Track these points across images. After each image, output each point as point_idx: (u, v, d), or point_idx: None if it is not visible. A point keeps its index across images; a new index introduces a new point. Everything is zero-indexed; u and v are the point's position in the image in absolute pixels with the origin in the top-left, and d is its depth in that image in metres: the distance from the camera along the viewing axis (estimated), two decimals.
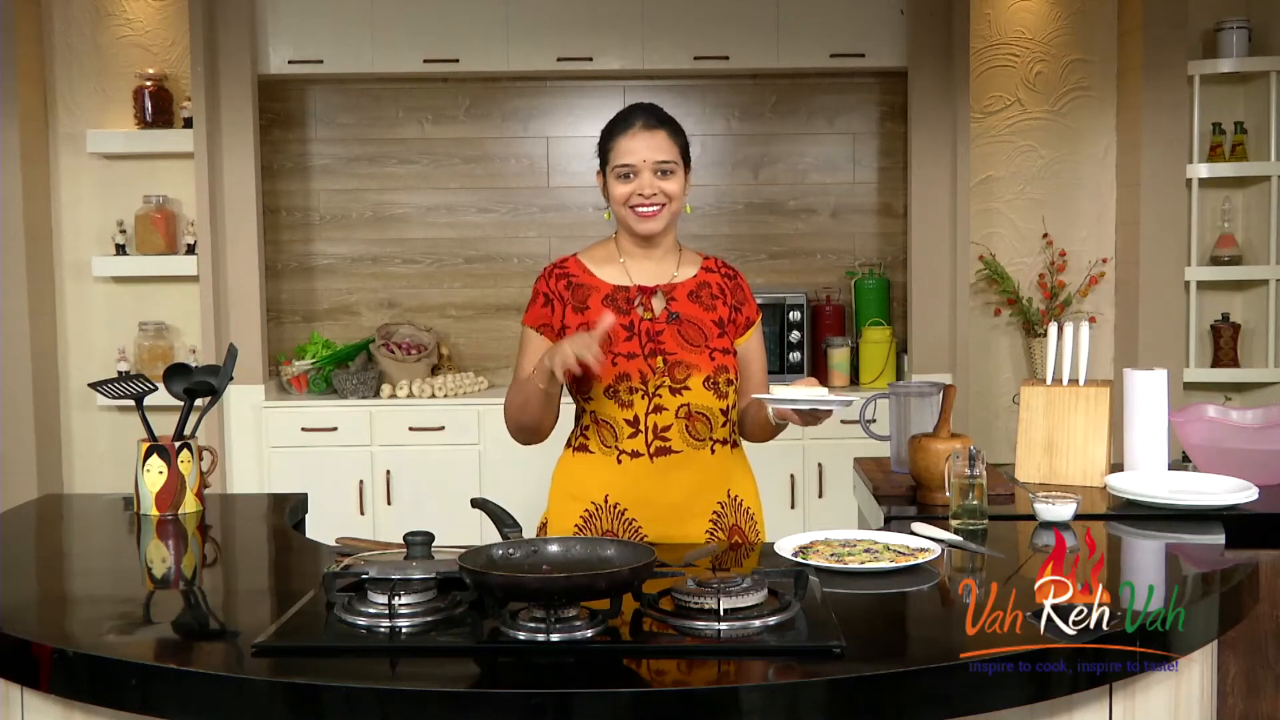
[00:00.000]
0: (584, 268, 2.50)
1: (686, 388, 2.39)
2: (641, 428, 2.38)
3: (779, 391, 2.28)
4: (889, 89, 5.30)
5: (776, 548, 2.16)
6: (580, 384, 2.39)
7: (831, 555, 2.09)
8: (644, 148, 2.40)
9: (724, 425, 2.44)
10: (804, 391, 2.26)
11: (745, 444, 2.57)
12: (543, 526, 2.52)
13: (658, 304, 2.45)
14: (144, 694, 1.65)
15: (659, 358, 2.39)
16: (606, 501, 2.41)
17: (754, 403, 2.51)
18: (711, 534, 2.43)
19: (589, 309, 2.43)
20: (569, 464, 2.49)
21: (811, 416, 2.27)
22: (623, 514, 2.40)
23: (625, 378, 2.37)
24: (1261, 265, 5.07)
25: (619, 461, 2.39)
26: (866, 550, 2.12)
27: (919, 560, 2.06)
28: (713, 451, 2.42)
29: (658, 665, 1.67)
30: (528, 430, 2.45)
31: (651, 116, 2.43)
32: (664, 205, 2.42)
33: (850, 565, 2.04)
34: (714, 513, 2.44)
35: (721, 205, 5.33)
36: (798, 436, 4.81)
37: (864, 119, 5.33)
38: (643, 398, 2.38)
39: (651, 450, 2.38)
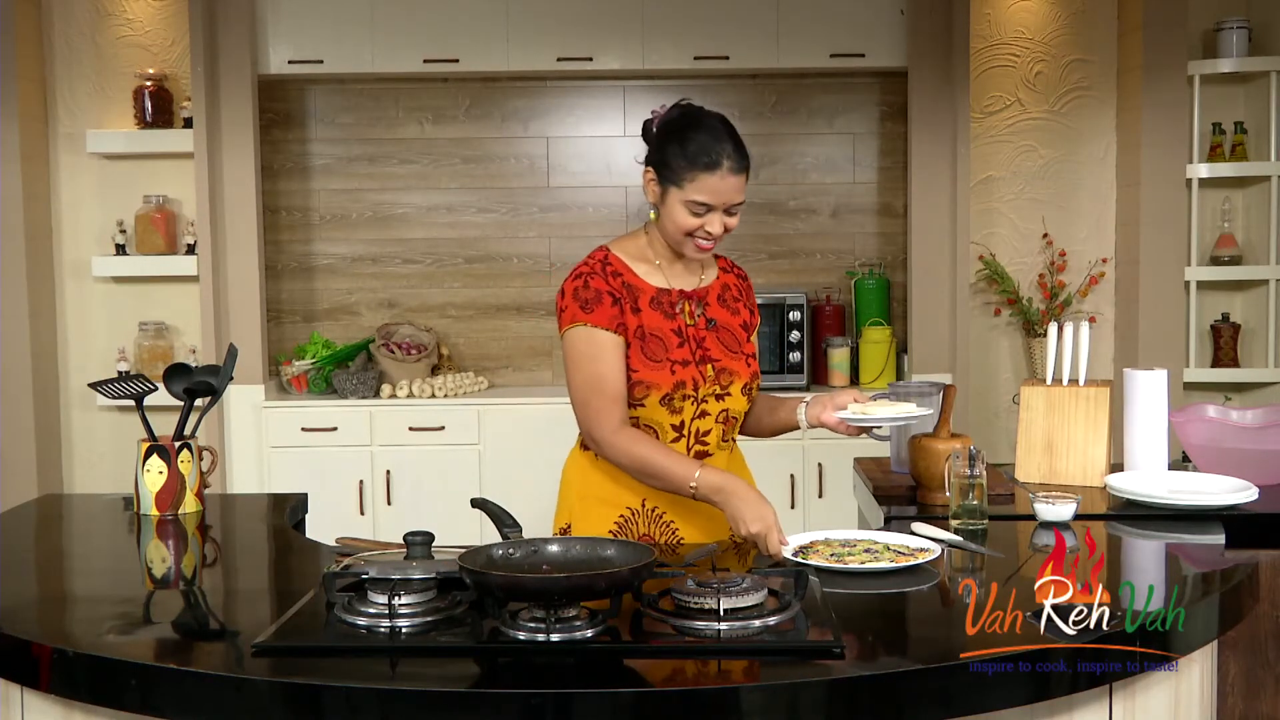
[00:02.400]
0: (626, 266, 2.41)
1: (728, 394, 2.40)
2: (685, 433, 2.38)
3: (873, 410, 2.33)
4: (889, 89, 5.30)
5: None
6: (635, 390, 2.34)
7: (831, 555, 2.09)
8: (728, 191, 2.30)
9: (738, 426, 2.49)
10: (889, 410, 2.33)
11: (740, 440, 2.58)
12: (565, 531, 2.46)
13: (695, 309, 2.43)
14: (144, 694, 1.65)
15: (708, 365, 2.38)
16: (644, 506, 2.39)
17: (770, 403, 2.52)
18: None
19: (641, 311, 2.36)
20: (595, 468, 2.43)
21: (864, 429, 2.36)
22: (660, 517, 2.39)
23: (681, 385, 2.35)
24: (1261, 265, 5.07)
25: None
26: (866, 550, 2.11)
27: (919, 560, 2.05)
28: (731, 451, 2.47)
29: (658, 665, 1.67)
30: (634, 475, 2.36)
31: (739, 158, 2.31)
32: (720, 238, 2.37)
33: (850, 565, 2.04)
34: None
35: None
36: (798, 436, 4.80)
37: (864, 119, 5.33)
38: (692, 404, 2.37)
39: (692, 455, 2.37)
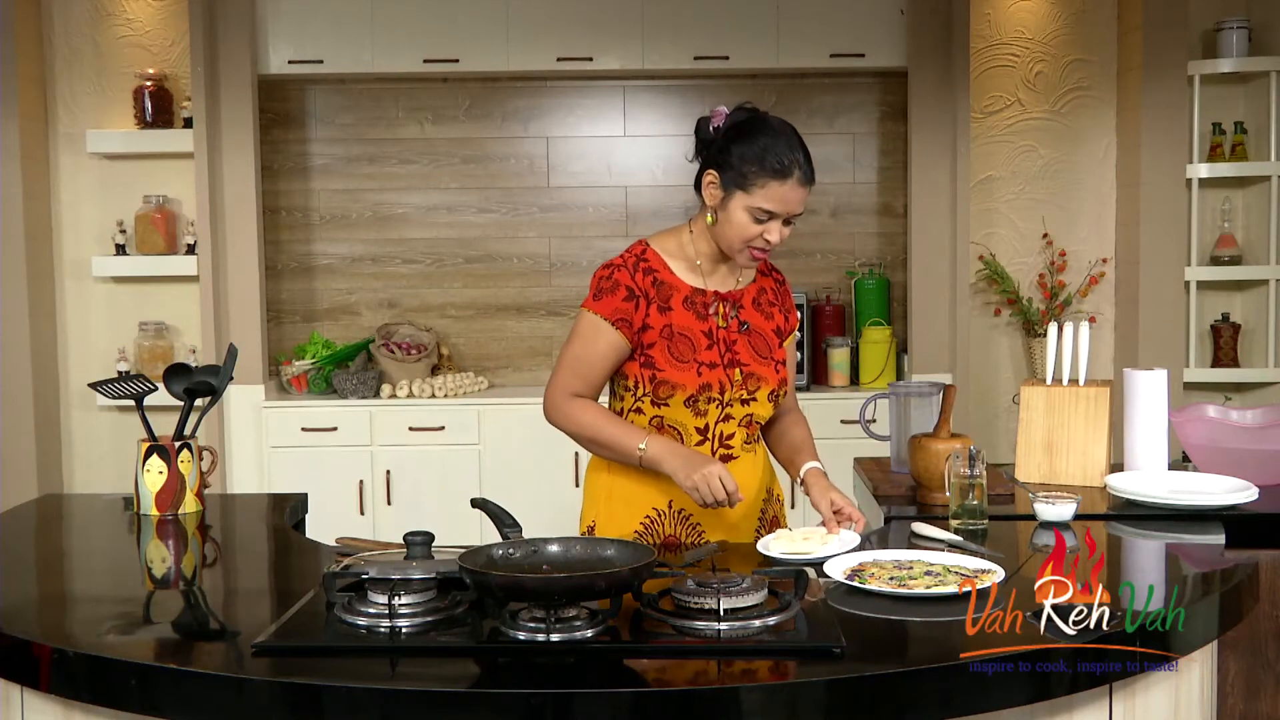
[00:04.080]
0: (663, 262, 2.39)
1: (754, 399, 2.40)
2: (709, 435, 2.38)
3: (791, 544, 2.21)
4: (889, 89, 5.30)
5: (827, 569, 2.02)
6: (659, 389, 2.34)
7: (891, 579, 1.95)
8: (794, 201, 2.27)
9: (760, 430, 2.49)
10: (802, 545, 2.20)
11: None
12: (589, 532, 2.46)
13: (730, 312, 2.41)
14: (144, 694, 1.65)
15: (736, 369, 2.38)
16: (671, 507, 2.39)
17: (792, 449, 2.52)
18: (759, 531, 2.46)
19: (672, 310, 2.35)
20: (621, 471, 2.41)
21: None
22: (687, 519, 2.40)
23: (707, 387, 2.34)
24: (1261, 265, 5.07)
25: None
26: (927, 573, 1.98)
27: (984, 584, 1.88)
28: (755, 453, 2.47)
29: (658, 665, 1.67)
30: (583, 445, 2.42)
31: (808, 168, 2.28)
32: (775, 247, 2.34)
33: (916, 590, 1.89)
34: (761, 510, 2.48)
35: None
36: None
37: (864, 119, 5.33)
38: (717, 407, 2.37)
39: (716, 457, 2.37)
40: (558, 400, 2.40)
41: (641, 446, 2.29)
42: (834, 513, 2.33)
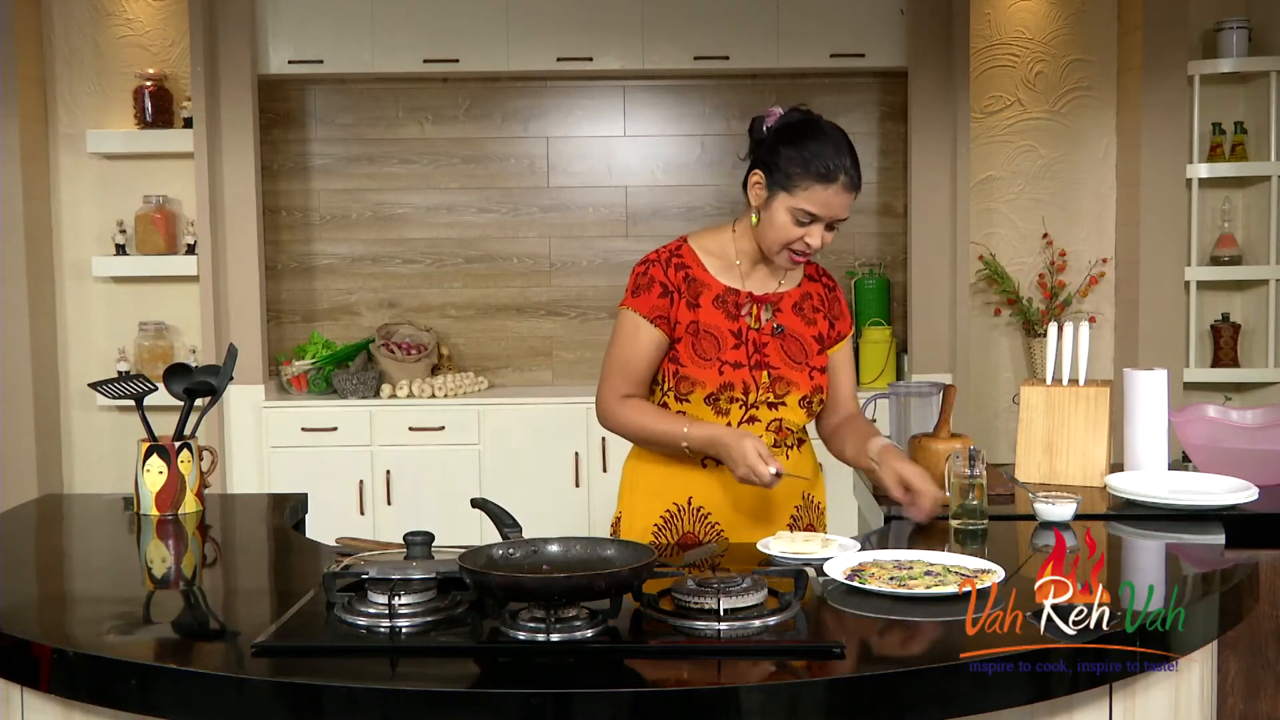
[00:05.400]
0: (697, 260, 2.40)
1: (783, 404, 2.38)
2: None
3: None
4: (889, 89, 5.30)
5: (827, 569, 2.01)
6: (681, 385, 2.35)
7: (891, 579, 1.94)
8: (838, 206, 2.29)
9: (801, 431, 2.46)
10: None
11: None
12: (616, 523, 2.49)
13: (765, 314, 2.40)
14: (144, 694, 1.64)
15: (764, 371, 2.37)
16: (690, 504, 2.40)
17: (857, 440, 2.44)
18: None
19: (700, 307, 2.36)
20: (647, 462, 2.44)
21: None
22: (705, 517, 2.40)
23: (729, 387, 2.34)
24: (1261, 265, 5.08)
25: (703, 465, 2.38)
26: (927, 573, 1.96)
27: (984, 584, 1.87)
28: (787, 456, 2.42)
29: (658, 665, 1.67)
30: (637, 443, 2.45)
31: (855, 174, 2.31)
32: (816, 250, 2.34)
33: (916, 590, 1.88)
34: (791, 516, 2.45)
35: (722, 205, 5.33)
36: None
37: (864, 119, 5.33)
38: (740, 408, 2.36)
39: None
40: (610, 405, 2.39)
41: (685, 442, 2.31)
42: (905, 490, 2.29)
